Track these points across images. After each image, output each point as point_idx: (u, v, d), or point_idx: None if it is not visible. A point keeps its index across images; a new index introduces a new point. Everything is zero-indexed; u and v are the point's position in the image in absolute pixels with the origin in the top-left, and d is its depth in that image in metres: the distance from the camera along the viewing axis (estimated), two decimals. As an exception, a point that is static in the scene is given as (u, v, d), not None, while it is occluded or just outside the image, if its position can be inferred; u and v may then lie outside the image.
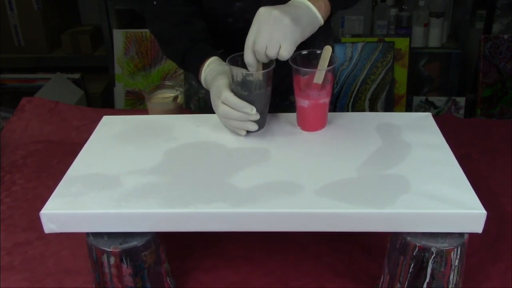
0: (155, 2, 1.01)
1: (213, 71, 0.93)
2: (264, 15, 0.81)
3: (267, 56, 0.83)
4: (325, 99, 0.88)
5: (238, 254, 0.92)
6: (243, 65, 0.88)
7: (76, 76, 2.39)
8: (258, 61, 0.85)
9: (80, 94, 2.35)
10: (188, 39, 0.98)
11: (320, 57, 0.87)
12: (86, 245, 0.76)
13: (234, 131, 0.90)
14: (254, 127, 0.88)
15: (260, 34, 0.82)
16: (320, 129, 0.91)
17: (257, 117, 0.87)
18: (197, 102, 1.23)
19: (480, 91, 2.25)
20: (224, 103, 0.87)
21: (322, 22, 0.87)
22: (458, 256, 0.72)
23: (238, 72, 0.86)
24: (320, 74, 0.86)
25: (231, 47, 0.91)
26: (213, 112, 0.93)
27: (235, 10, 1.03)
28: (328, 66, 0.86)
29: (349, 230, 0.74)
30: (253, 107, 0.85)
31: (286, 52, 0.81)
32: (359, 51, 2.20)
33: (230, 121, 0.88)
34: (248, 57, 0.84)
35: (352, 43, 2.16)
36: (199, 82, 0.98)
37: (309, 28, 0.85)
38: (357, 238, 0.94)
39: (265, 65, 0.87)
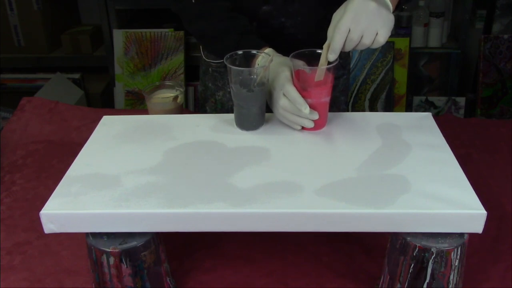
0: (193, 1, 0.99)
1: (273, 62, 0.91)
2: (361, 4, 0.80)
3: (359, 44, 0.82)
4: (326, 98, 0.88)
5: (238, 254, 0.92)
6: (240, 64, 0.88)
7: (76, 76, 2.39)
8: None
9: (80, 94, 2.35)
10: (237, 33, 0.97)
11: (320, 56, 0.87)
12: (85, 245, 0.76)
13: (289, 125, 0.91)
14: (310, 124, 0.89)
15: (358, 22, 0.80)
16: (320, 129, 0.91)
17: (316, 117, 0.88)
18: (214, 104, 1.21)
19: (480, 91, 2.25)
20: (285, 96, 0.87)
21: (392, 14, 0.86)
22: (458, 256, 0.72)
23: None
24: (320, 72, 0.86)
25: None
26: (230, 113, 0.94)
27: (261, 13, 1.03)
28: (327, 65, 0.86)
29: (349, 230, 0.74)
30: (306, 106, 0.86)
31: (383, 38, 0.81)
32: (359, 51, 2.20)
33: (288, 114, 0.89)
34: (338, 43, 0.82)
35: (352, 43, 2.16)
36: (216, 84, 0.96)
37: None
38: (357, 238, 0.94)
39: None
